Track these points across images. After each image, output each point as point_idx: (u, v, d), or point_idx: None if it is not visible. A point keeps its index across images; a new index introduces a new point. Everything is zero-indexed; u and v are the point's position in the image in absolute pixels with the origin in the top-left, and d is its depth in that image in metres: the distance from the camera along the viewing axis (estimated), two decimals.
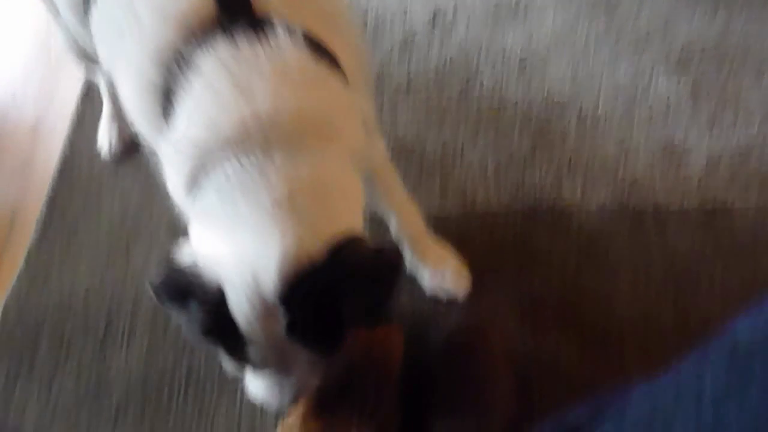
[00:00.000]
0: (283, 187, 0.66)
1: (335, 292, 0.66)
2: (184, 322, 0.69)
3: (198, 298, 0.67)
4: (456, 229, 1.10)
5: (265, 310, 0.66)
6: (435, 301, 1.04)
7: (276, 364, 0.72)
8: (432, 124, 1.21)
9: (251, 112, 0.67)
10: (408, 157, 1.17)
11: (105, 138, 1.24)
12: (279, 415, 0.95)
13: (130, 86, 0.75)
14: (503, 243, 1.08)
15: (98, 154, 1.24)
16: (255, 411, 0.97)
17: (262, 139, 0.67)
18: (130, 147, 1.21)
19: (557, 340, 1.00)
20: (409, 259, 1.06)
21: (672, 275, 1.05)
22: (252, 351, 0.70)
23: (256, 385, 0.76)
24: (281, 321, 0.66)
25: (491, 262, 1.07)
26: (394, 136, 1.19)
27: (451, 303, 1.03)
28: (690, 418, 0.48)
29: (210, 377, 1.00)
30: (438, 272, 1.06)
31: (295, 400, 0.76)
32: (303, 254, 0.65)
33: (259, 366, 0.73)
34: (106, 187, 1.20)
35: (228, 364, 0.73)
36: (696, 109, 1.19)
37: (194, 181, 0.69)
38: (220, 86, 0.67)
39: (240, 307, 0.66)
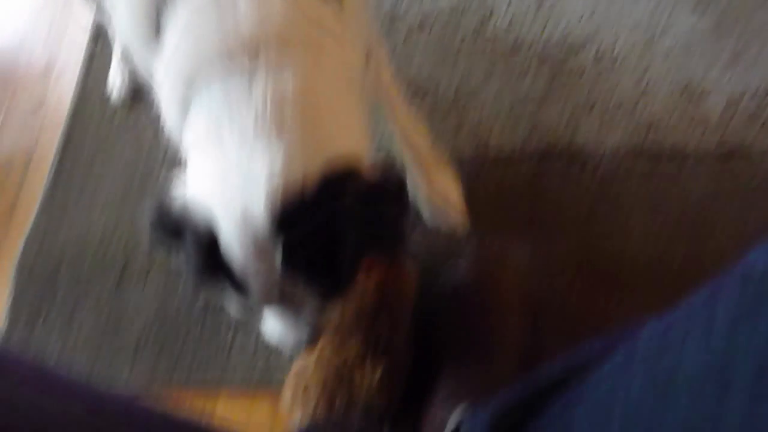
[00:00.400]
0: (268, 108, 0.61)
1: (331, 224, 0.63)
2: (182, 263, 0.66)
3: (190, 238, 0.64)
4: (468, 171, 1.10)
5: (257, 247, 0.63)
6: (449, 241, 1.06)
7: (281, 303, 0.70)
8: (445, 64, 1.20)
9: (234, 26, 0.63)
10: (421, 98, 1.17)
11: (115, 81, 1.24)
12: (294, 351, 0.99)
13: (122, 7, 0.72)
14: (516, 184, 1.09)
15: (110, 96, 1.25)
16: (270, 345, 1.00)
17: (247, 56, 0.63)
18: (141, 89, 1.21)
19: (569, 280, 1.01)
20: (412, 189, 1.04)
21: (687, 217, 1.05)
22: (253, 291, 0.67)
23: (271, 326, 0.76)
24: (276, 258, 0.63)
25: (504, 203, 1.07)
26: (407, 77, 1.18)
27: (463, 242, 1.05)
28: (701, 344, 0.48)
29: (226, 314, 1.03)
30: (440, 205, 1.05)
31: (310, 339, 0.76)
32: (293, 182, 0.61)
33: (264, 305, 0.71)
34: (119, 127, 1.21)
35: (232, 306, 0.72)
36: (718, 47, 1.16)
37: (185, 108, 0.66)
38: (202, 2, 0.64)
39: (231, 245, 0.63)
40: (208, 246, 0.63)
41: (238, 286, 0.66)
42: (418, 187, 1.03)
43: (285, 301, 0.69)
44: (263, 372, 0.99)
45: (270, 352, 1.01)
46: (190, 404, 1.00)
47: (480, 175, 1.10)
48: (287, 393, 0.91)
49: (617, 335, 0.73)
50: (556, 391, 0.72)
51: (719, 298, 0.49)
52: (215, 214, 0.63)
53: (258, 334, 1.02)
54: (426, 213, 1.04)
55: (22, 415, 0.47)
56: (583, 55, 1.18)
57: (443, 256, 1.05)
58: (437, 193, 1.04)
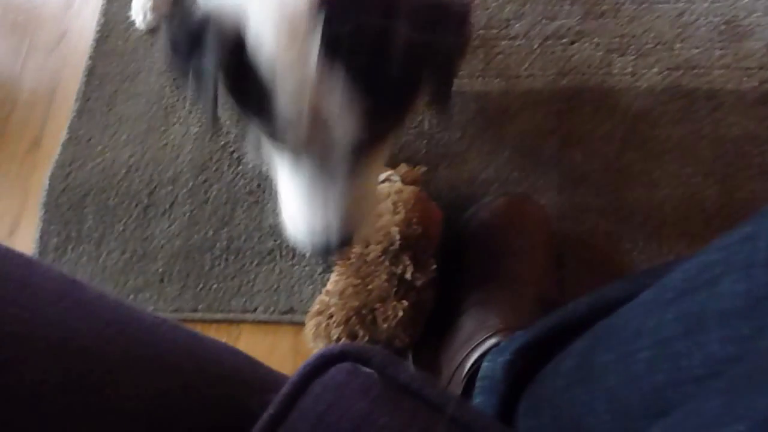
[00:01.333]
0: None
1: (384, 20, 0.55)
2: (199, 84, 0.60)
3: (213, 39, 0.58)
4: (498, 105, 1.10)
5: (291, 28, 0.54)
6: (471, 181, 1.06)
7: (310, 146, 0.62)
8: None
9: None
10: None
11: (138, 8, 1.22)
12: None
13: None
14: (546, 120, 1.08)
15: (133, 24, 1.24)
16: (292, 279, 1.03)
17: None
18: (165, 16, 1.21)
19: (596, 218, 1.02)
20: None
21: (721, 157, 1.04)
22: (280, 107, 0.59)
23: (294, 210, 0.70)
24: (312, 46, 0.54)
25: (533, 139, 1.07)
26: None
27: (489, 181, 1.05)
28: (740, 278, 0.48)
29: (249, 246, 1.05)
30: None
31: (341, 244, 0.70)
32: None
33: (290, 141, 0.63)
34: (143, 57, 1.22)
35: (251, 148, 0.68)
36: None
37: None
38: None
39: (261, 28, 0.56)
40: (233, 44, 0.57)
41: (262, 105, 0.59)
42: None
43: (316, 142, 0.62)
44: (286, 304, 1.02)
45: (292, 282, 1.03)
46: (215, 334, 1.03)
47: (508, 110, 1.10)
48: (310, 327, 0.94)
49: (644, 276, 0.73)
50: (581, 328, 0.73)
51: (762, 232, 0.47)
52: (248, 6, 0.56)
53: (281, 266, 1.05)
54: None
55: (50, 325, 0.49)
56: None
57: (468, 195, 1.07)
58: None
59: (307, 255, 0.82)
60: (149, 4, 1.21)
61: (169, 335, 0.57)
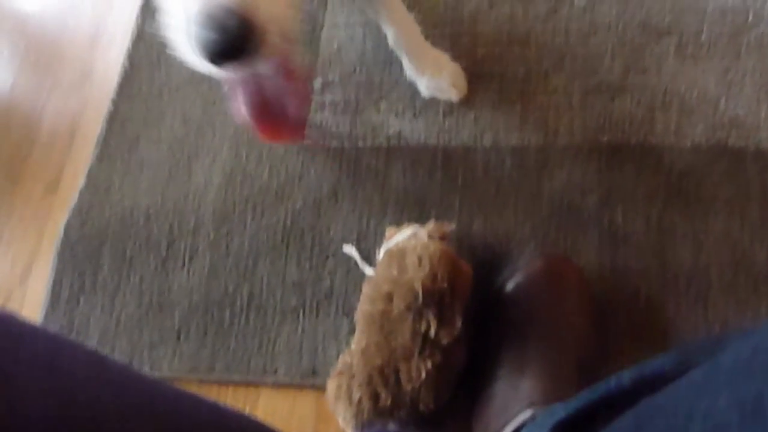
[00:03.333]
0: None
1: None
2: None
3: None
4: (535, 161, 1.13)
5: None
6: (507, 238, 1.08)
7: None
8: (515, 44, 1.21)
9: None
10: (487, 80, 1.19)
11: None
12: (341, 344, 1.03)
13: None
14: (586, 178, 1.10)
15: (158, 68, 1.29)
16: (317, 338, 1.05)
17: None
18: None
19: (638, 281, 1.03)
20: (407, 68, 1.19)
21: None
22: None
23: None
24: None
25: (572, 197, 1.09)
26: (473, 57, 1.21)
27: (525, 240, 1.07)
28: None
29: (272, 303, 1.08)
30: (435, 77, 1.18)
31: (243, 27, 0.61)
32: None
33: None
34: (167, 102, 1.26)
35: None
36: None
37: None
38: None
39: None
40: None
41: None
42: (411, 64, 1.17)
43: None
44: (308, 366, 1.03)
45: (316, 344, 1.05)
46: (233, 395, 1.06)
47: (546, 166, 1.12)
48: (331, 388, 0.95)
49: (691, 351, 0.74)
50: (624, 403, 0.73)
51: None
52: None
53: (305, 326, 1.06)
54: (423, 88, 1.18)
55: (80, 407, 0.51)
56: (664, 42, 1.19)
57: (502, 254, 1.09)
58: (430, 65, 1.18)
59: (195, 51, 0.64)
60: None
61: (192, 410, 0.60)
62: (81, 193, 1.20)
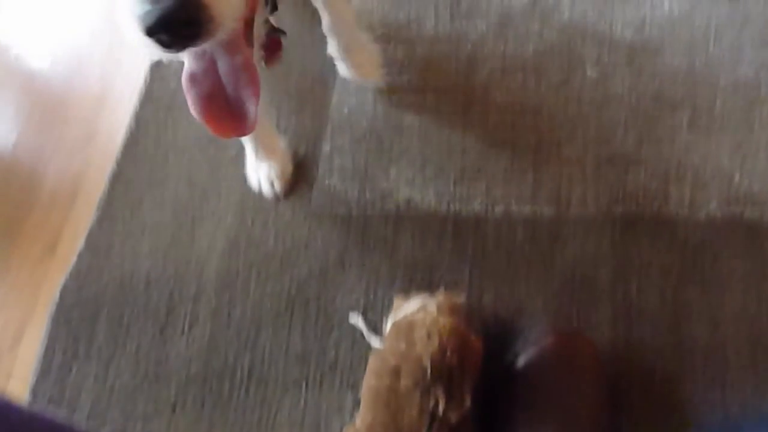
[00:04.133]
0: None
1: None
2: None
3: None
4: (548, 232, 1.13)
5: None
6: (518, 312, 1.08)
7: None
8: (527, 112, 1.23)
9: None
10: (499, 148, 1.20)
11: (262, 177, 1.22)
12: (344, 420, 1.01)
13: None
14: (599, 250, 1.10)
15: (165, 129, 1.30)
16: (320, 413, 1.03)
17: None
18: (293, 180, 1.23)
19: (653, 357, 1.02)
20: (335, 50, 1.29)
21: None
22: None
23: None
24: None
25: (585, 269, 1.09)
26: (484, 124, 1.23)
27: (536, 314, 1.07)
28: None
29: (273, 375, 1.06)
30: (358, 63, 1.30)
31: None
32: None
33: None
34: (172, 164, 1.27)
35: None
36: None
37: None
38: None
39: None
40: None
41: None
42: (338, 45, 1.27)
43: None
44: None
45: (319, 418, 1.03)
46: None
47: (559, 238, 1.12)
48: None
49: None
50: None
51: None
52: None
53: (307, 399, 1.04)
54: (345, 72, 1.30)
55: None
56: (678, 114, 1.21)
57: (513, 328, 1.08)
58: (355, 51, 1.29)
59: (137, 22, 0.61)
60: (273, 171, 1.21)
61: None
62: (80, 256, 1.19)
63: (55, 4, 1.58)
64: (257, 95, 0.73)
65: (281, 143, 1.24)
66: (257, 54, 0.77)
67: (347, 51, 1.29)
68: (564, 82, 1.26)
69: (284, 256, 1.15)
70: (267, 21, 0.81)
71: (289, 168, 1.23)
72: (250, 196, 1.22)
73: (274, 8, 0.81)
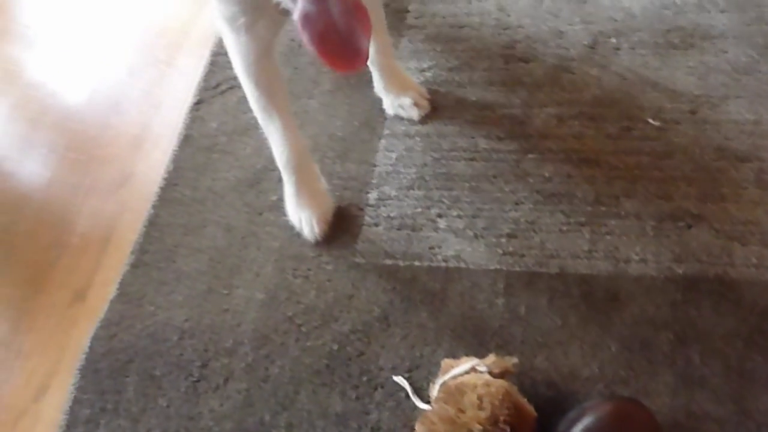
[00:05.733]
0: None
1: None
2: None
3: None
4: (605, 291, 1.12)
5: None
6: (573, 377, 1.06)
7: None
8: (584, 163, 1.23)
9: None
10: (554, 201, 1.20)
11: (303, 221, 1.25)
12: None
13: None
14: (659, 312, 1.09)
15: (203, 173, 1.32)
16: None
17: None
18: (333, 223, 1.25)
19: (715, 427, 0.99)
20: (376, 83, 1.37)
21: None
22: None
23: None
24: None
25: (644, 332, 1.07)
26: (539, 174, 1.23)
27: (592, 383, 1.05)
28: None
29: None
30: (399, 96, 1.37)
31: None
32: None
33: None
34: (210, 209, 1.28)
35: None
36: None
37: None
38: None
39: None
40: None
41: None
42: (380, 81, 1.35)
43: None
44: None
45: None
46: None
47: (617, 298, 1.11)
48: None
49: None
50: None
51: None
52: None
53: None
54: (387, 106, 1.36)
55: None
56: (744, 169, 1.20)
57: (567, 394, 1.06)
58: (396, 84, 1.36)
59: None
60: (314, 215, 1.23)
61: None
62: (111, 304, 1.20)
63: (93, 40, 1.61)
64: (369, 31, 0.84)
65: (323, 186, 1.25)
66: None
67: (388, 79, 1.36)
68: (623, 132, 1.25)
69: (326, 310, 1.15)
70: None
71: (330, 212, 1.24)
72: (290, 245, 1.22)
73: None
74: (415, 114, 1.33)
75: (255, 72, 1.09)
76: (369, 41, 0.83)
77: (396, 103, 1.33)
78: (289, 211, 1.24)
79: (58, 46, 1.60)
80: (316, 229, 1.21)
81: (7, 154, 1.44)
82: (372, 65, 1.31)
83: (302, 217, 1.22)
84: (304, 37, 0.82)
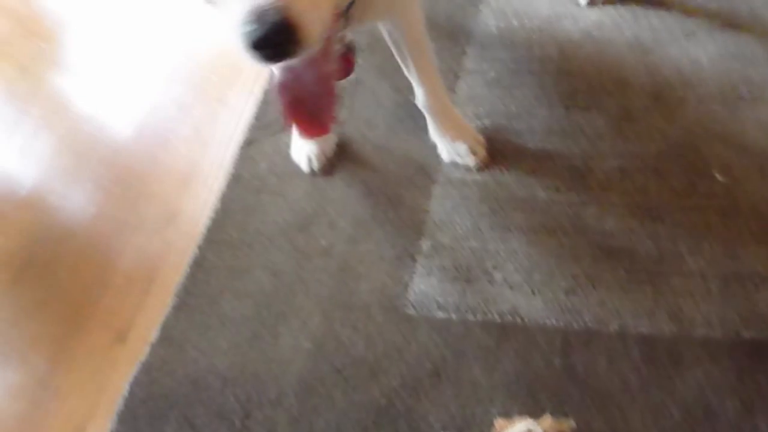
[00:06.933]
0: None
1: None
2: None
3: None
4: (667, 354, 1.10)
5: None
6: None
7: None
8: (647, 220, 1.22)
9: None
10: (615, 257, 1.19)
11: (302, 154, 1.38)
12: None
13: None
14: (725, 378, 1.07)
15: (252, 214, 1.32)
16: None
17: None
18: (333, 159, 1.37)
19: None
20: (431, 128, 1.38)
21: None
22: None
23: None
24: None
25: (709, 399, 1.05)
26: (601, 228, 1.22)
27: None
28: None
29: None
30: (455, 142, 1.37)
31: (282, 26, 0.78)
32: None
33: None
34: (258, 252, 1.28)
35: None
36: None
37: None
38: None
39: None
40: None
41: None
42: (434, 125, 1.37)
43: None
44: None
45: None
46: None
47: (681, 361, 1.09)
48: None
49: None
50: None
51: None
52: None
53: None
54: (443, 153, 1.37)
55: None
56: None
57: None
58: (451, 129, 1.36)
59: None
60: (314, 151, 1.40)
61: None
62: (153, 347, 1.20)
63: (143, 74, 1.64)
64: (334, 103, 0.95)
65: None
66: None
67: (442, 124, 1.36)
68: (689, 187, 1.24)
69: (374, 362, 1.14)
70: (341, 40, 0.99)
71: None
72: (340, 293, 1.22)
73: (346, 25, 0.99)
74: (471, 161, 1.32)
75: None
76: (334, 111, 0.94)
77: (452, 149, 1.34)
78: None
79: (107, 80, 1.63)
80: (314, 163, 1.38)
81: (52, 188, 1.45)
82: (423, 109, 1.32)
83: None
84: (280, 103, 0.93)
